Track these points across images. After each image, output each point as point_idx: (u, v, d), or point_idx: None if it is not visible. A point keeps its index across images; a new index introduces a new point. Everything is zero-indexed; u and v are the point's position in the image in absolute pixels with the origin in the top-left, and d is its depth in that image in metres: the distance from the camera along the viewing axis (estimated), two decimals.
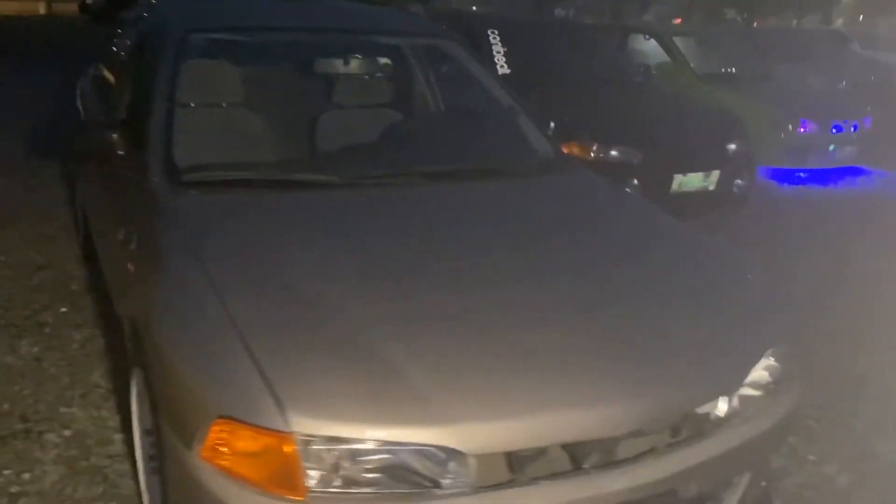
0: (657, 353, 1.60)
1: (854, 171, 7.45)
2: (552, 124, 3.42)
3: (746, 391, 1.68)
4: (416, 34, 3.11)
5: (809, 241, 5.07)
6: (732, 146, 5.11)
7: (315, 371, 1.40)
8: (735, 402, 1.63)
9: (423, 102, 3.23)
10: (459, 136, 2.72)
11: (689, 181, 4.88)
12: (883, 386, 3.04)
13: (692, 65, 7.90)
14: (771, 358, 1.75)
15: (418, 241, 1.91)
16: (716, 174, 4.96)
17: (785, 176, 7.10)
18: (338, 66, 3.05)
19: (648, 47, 8.11)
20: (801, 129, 6.86)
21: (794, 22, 53.03)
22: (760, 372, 1.71)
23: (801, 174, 7.21)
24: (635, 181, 4.71)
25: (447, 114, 3.26)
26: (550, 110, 5.03)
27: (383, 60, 3.30)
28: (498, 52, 5.57)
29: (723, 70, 7.99)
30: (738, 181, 5.12)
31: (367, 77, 3.19)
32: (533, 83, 5.54)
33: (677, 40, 8.17)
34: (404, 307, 1.60)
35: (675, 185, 4.83)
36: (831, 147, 7.00)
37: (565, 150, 4.68)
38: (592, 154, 4.68)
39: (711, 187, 4.99)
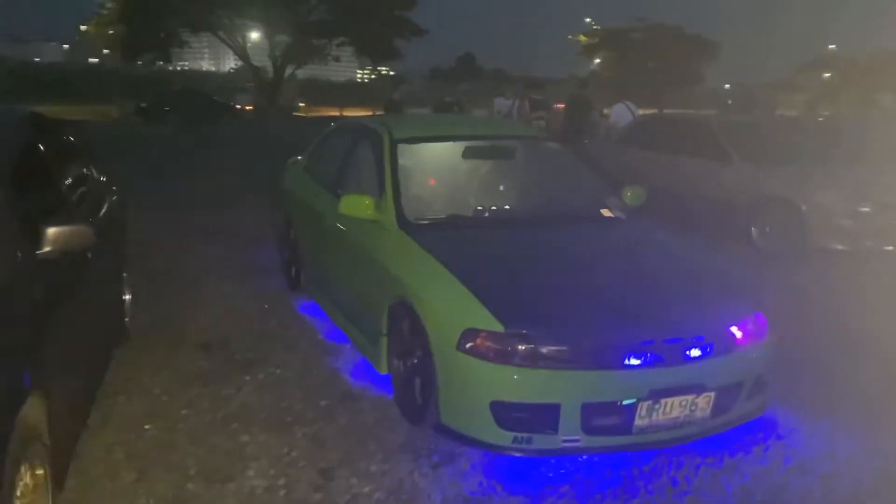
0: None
1: (734, 439, 3.13)
2: None
3: None
4: None
5: None
6: None
7: None
8: None
9: None
10: None
11: None
12: None
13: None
14: None
15: None
16: None
17: (523, 471, 2.90)
18: None
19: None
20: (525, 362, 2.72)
21: None
22: None
23: (582, 456, 2.99)
24: None
25: None
26: None
27: None
28: None
29: (473, 213, 3.99)
30: None
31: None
32: None
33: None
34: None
35: None
36: (626, 401, 2.78)
37: None
38: None
39: None
